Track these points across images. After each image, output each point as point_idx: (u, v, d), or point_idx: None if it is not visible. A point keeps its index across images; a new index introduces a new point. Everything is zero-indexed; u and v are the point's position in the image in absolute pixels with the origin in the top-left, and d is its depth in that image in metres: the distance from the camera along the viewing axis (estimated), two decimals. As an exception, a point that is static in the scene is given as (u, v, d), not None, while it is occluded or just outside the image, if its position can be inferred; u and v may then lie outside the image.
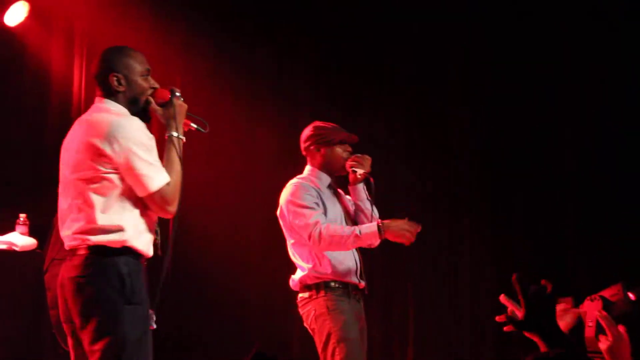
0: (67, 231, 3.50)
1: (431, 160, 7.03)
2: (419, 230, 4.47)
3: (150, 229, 3.51)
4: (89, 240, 3.39)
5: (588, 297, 5.14)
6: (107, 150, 3.38)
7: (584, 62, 6.93)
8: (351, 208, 4.82)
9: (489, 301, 6.83)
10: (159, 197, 3.40)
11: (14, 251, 5.43)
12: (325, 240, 4.44)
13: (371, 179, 4.63)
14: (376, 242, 4.53)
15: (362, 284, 4.71)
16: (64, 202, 3.52)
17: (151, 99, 3.58)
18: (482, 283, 6.90)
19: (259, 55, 6.81)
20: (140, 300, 3.43)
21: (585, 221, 6.83)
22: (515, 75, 6.96)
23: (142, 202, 3.46)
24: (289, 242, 4.70)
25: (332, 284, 4.60)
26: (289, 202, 4.60)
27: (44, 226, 5.99)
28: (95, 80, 3.60)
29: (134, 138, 3.40)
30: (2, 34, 6.47)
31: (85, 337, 3.40)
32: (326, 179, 4.74)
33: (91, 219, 3.40)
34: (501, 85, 6.99)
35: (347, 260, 4.65)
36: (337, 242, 4.44)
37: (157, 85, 3.62)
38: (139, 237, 3.45)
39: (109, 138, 3.38)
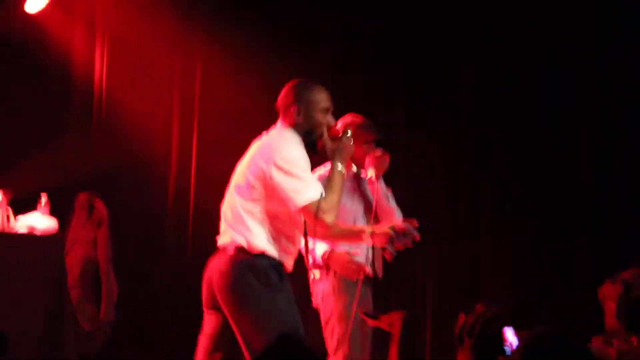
0: (222, 227, 3.91)
1: (445, 160, 7.02)
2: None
3: (287, 242, 3.90)
4: (235, 240, 3.81)
5: (608, 280, 5.14)
6: (264, 167, 3.80)
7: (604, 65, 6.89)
8: (371, 201, 4.87)
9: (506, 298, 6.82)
10: (313, 208, 3.78)
11: (35, 235, 5.46)
12: None
13: (375, 181, 4.79)
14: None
15: (368, 270, 4.83)
16: (226, 201, 3.94)
17: (325, 132, 3.95)
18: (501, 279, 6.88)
19: (282, 37, 6.79)
20: (284, 288, 3.83)
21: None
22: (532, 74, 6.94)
23: (282, 217, 3.86)
24: None
25: None
26: None
27: (65, 208, 6.07)
28: (279, 106, 3.97)
29: (286, 158, 3.80)
30: (24, 21, 6.50)
31: (239, 325, 3.77)
32: (349, 171, 4.78)
33: (238, 222, 3.82)
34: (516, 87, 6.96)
35: (359, 249, 4.79)
36: None
37: (333, 122, 3.99)
38: (271, 246, 3.84)
39: (267, 158, 3.80)
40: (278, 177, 3.78)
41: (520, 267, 6.85)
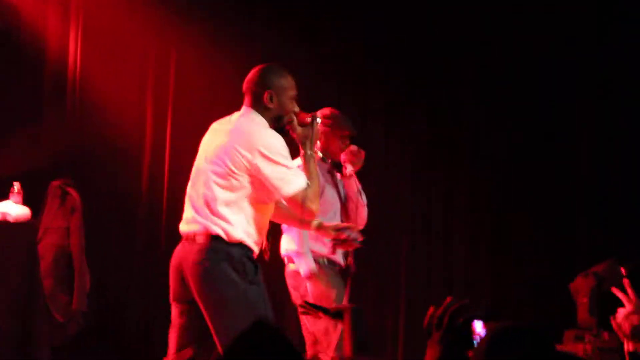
0: (191, 215, 3.85)
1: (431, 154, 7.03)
2: None
3: (259, 232, 3.87)
4: (209, 229, 3.76)
5: (581, 274, 5.18)
6: (247, 156, 3.75)
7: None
8: (343, 194, 5.02)
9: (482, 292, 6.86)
10: (301, 197, 3.80)
11: (7, 221, 5.43)
12: None
13: (356, 180, 4.90)
14: None
15: (343, 263, 4.93)
16: (192, 187, 3.89)
17: (294, 119, 3.95)
18: (477, 275, 6.91)
19: (257, 21, 6.75)
20: (258, 281, 3.81)
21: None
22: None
23: (259, 206, 3.85)
24: None
25: (325, 260, 4.83)
26: None
27: (38, 195, 6.03)
28: (249, 89, 3.94)
29: (270, 146, 3.79)
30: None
31: (213, 315, 3.72)
32: (325, 163, 4.93)
33: (214, 210, 3.76)
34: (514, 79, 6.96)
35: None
36: None
37: (298, 109, 3.97)
38: (248, 235, 3.81)
39: (249, 146, 3.76)
40: (264, 166, 3.75)
41: (520, 263, 6.86)
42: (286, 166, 3.80)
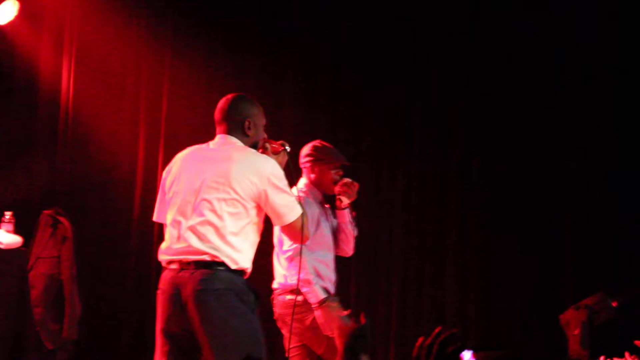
0: (186, 243, 3.81)
1: (419, 163, 7.06)
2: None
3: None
4: (216, 256, 3.77)
5: (572, 306, 5.20)
6: (257, 183, 3.82)
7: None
8: (334, 225, 5.03)
9: (474, 301, 6.86)
10: (299, 223, 3.92)
11: (-1, 249, 5.45)
12: None
13: (353, 213, 4.95)
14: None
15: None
16: (187, 216, 3.84)
17: (268, 147, 4.05)
18: (468, 284, 6.92)
19: (249, 57, 6.81)
20: (255, 310, 3.84)
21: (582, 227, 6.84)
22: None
23: (258, 233, 3.93)
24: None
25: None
26: None
27: (30, 225, 6.04)
28: (226, 118, 3.99)
29: (277, 174, 3.88)
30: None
31: (217, 344, 3.71)
32: (318, 195, 4.96)
33: (224, 238, 3.79)
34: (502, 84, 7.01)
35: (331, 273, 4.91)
36: None
37: (266, 138, 4.09)
38: (250, 263, 3.89)
39: (260, 173, 3.83)
40: (273, 193, 3.82)
41: (510, 292, 6.86)
42: (289, 193, 3.89)
